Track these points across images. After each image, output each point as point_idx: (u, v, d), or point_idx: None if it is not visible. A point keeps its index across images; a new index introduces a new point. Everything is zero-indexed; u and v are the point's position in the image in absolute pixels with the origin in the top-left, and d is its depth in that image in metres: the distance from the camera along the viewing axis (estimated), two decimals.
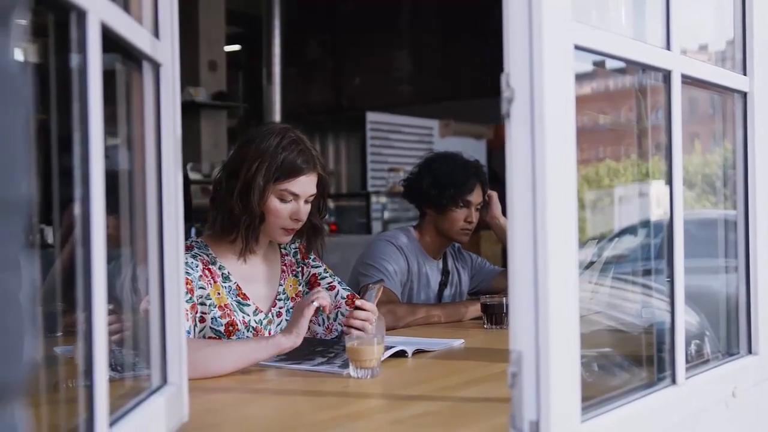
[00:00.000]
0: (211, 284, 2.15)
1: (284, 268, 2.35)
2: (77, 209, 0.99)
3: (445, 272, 3.11)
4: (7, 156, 0.57)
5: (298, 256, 2.39)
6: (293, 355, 2.01)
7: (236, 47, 10.19)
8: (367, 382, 1.81)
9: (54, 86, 1.07)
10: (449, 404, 1.63)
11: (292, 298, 2.33)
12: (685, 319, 1.54)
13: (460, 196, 2.94)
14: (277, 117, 8.42)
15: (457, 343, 2.33)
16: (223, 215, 2.18)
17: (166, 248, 1.36)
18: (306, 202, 2.20)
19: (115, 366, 1.29)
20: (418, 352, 2.16)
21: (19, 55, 0.61)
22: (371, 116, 8.01)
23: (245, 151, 2.17)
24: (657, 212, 1.91)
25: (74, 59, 1.00)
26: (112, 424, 1.06)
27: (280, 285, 2.32)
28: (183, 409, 1.40)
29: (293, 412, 1.62)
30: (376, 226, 7.24)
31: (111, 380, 1.05)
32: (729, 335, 1.84)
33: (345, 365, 1.90)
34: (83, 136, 0.99)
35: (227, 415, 1.59)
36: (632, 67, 1.60)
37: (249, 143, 2.18)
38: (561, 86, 1.19)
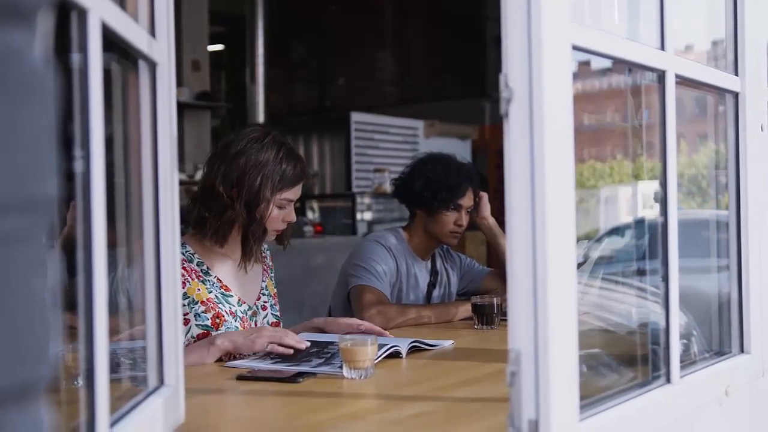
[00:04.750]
0: (189, 281, 2.19)
1: (265, 267, 2.44)
2: (78, 210, 0.98)
3: (433, 273, 3.10)
4: (36, 155, 0.57)
5: (271, 264, 2.49)
6: (288, 358, 2.01)
7: (219, 47, 10.17)
8: (360, 382, 1.81)
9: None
10: (445, 404, 1.64)
11: (273, 295, 2.43)
12: None
13: (451, 200, 2.93)
14: (261, 117, 8.40)
15: (448, 343, 2.33)
16: (224, 224, 2.22)
17: (163, 248, 1.35)
18: (294, 205, 2.32)
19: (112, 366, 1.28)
20: (413, 350, 2.18)
21: (44, 54, 0.61)
22: (356, 117, 8.00)
23: (241, 163, 2.21)
24: (645, 212, 1.92)
25: (74, 58, 0.99)
26: (112, 425, 1.05)
27: (263, 281, 2.41)
28: (180, 411, 1.39)
29: (289, 413, 1.61)
30: (361, 227, 7.23)
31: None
32: (721, 334, 1.85)
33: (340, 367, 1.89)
34: (84, 135, 0.98)
35: (223, 417, 1.58)
36: (618, 67, 1.61)
37: (242, 154, 2.22)
38: (560, 86, 1.19)
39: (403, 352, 2.12)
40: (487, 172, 6.91)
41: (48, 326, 0.57)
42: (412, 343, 2.18)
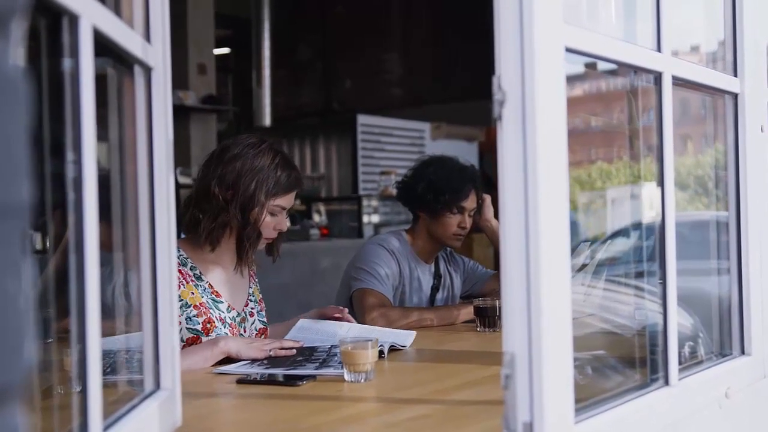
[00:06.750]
0: (183, 284, 2.21)
1: (251, 273, 2.46)
2: (70, 215, 0.98)
3: (437, 276, 3.10)
4: (8, 160, 0.58)
5: (254, 268, 2.50)
6: (279, 364, 2.00)
7: (225, 50, 10.17)
8: (360, 385, 1.81)
9: (45, 90, 1.07)
10: (443, 407, 1.63)
11: (260, 301, 2.45)
12: (679, 321, 1.54)
13: (454, 202, 2.93)
14: (267, 120, 8.41)
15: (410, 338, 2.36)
16: (218, 226, 2.25)
17: (159, 253, 1.35)
18: (287, 214, 2.34)
19: (106, 370, 1.29)
20: (393, 349, 2.22)
21: (18, 60, 0.62)
22: (362, 119, 8.00)
23: (237, 166, 2.25)
24: (649, 214, 1.91)
25: (66, 63, 1.00)
26: (105, 429, 1.05)
27: (250, 287, 2.43)
28: (176, 414, 1.39)
29: (287, 416, 1.61)
30: (368, 230, 7.23)
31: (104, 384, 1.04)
32: (722, 336, 1.85)
33: (341, 366, 1.89)
34: (76, 140, 0.98)
35: (220, 421, 1.58)
36: (623, 69, 1.61)
37: (238, 158, 2.26)
38: (552, 88, 1.19)
39: (385, 352, 2.15)
40: (493, 174, 6.89)
41: (22, 329, 0.58)
42: (390, 344, 2.22)
